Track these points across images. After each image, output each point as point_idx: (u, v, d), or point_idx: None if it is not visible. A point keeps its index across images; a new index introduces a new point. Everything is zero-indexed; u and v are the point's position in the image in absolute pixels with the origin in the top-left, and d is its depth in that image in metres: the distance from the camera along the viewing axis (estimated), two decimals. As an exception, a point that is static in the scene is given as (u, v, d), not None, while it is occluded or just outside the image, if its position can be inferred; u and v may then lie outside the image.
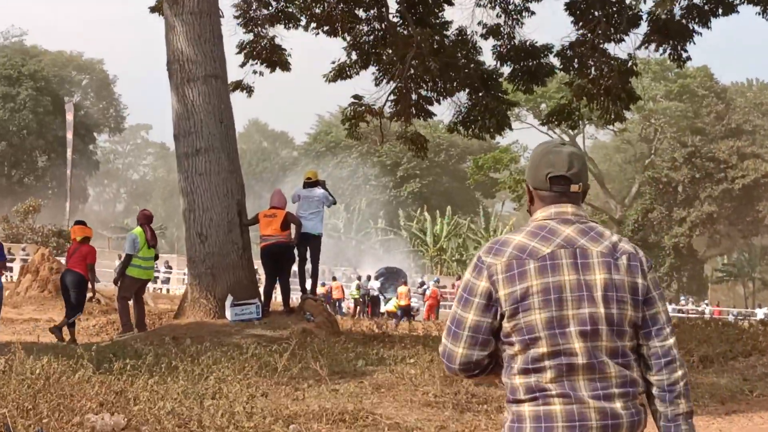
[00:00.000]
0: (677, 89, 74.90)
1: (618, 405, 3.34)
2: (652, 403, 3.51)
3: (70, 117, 66.55)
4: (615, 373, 3.36)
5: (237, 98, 24.80)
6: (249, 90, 25.16)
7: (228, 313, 15.82)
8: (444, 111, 63.55)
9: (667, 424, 3.48)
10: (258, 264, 17.87)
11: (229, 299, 15.93)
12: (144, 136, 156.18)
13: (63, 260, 36.36)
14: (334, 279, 44.07)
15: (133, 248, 16.74)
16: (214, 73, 16.96)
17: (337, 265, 68.38)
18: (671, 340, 3.49)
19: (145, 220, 17.24)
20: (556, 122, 27.14)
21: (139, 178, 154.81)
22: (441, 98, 25.03)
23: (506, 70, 24.58)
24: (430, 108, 25.40)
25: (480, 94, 24.39)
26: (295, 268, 17.87)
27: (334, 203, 17.80)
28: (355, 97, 25.01)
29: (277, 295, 18.03)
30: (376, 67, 24.98)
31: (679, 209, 70.04)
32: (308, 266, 17.68)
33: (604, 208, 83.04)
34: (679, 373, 3.47)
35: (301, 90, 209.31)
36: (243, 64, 24.82)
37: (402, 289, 36.96)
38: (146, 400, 8.27)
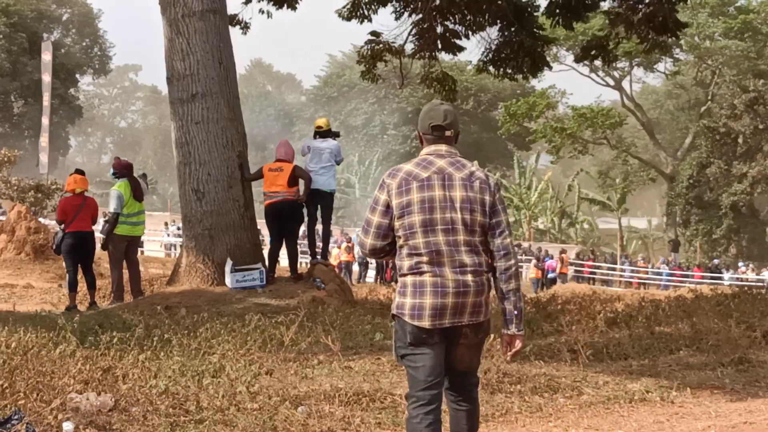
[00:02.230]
0: (738, 26, 73.80)
1: (468, 278, 5.77)
2: (495, 281, 5.96)
3: (47, 57, 66.10)
4: (467, 257, 5.80)
5: (238, 36, 24.67)
6: (245, 26, 25.05)
7: (228, 280, 15.85)
8: (472, 49, 63.09)
9: (503, 296, 5.95)
10: (261, 224, 17.86)
11: (229, 264, 15.96)
12: (133, 79, 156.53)
13: (45, 220, 36.57)
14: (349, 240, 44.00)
15: (120, 206, 16.77)
16: (212, 7, 16.86)
17: (350, 226, 68.42)
18: (508, 240, 5.95)
19: (128, 170, 17.25)
20: (592, 57, 26.91)
21: (127, 126, 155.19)
22: (470, 33, 24.70)
23: (543, 2, 24.32)
24: (458, 42, 25.07)
25: (513, 30, 24.12)
26: (303, 229, 17.87)
27: (339, 163, 17.68)
28: (373, 33, 24.77)
29: (283, 260, 18.03)
30: (397, 1, 24.64)
31: (740, 163, 69.27)
32: (318, 227, 17.66)
33: (654, 162, 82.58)
34: (512, 262, 5.95)
35: (310, 26, 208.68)
36: (247, 1, 24.70)
37: None
38: (136, 378, 8.32)
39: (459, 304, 5.75)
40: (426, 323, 5.74)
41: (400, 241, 5.88)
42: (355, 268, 43.13)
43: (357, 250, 42.36)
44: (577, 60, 35.26)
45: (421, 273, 5.78)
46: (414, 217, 5.80)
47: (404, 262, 5.87)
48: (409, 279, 5.83)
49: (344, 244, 42.42)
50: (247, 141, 17.52)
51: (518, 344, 6.00)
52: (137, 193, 17.01)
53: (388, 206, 5.88)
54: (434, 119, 6.05)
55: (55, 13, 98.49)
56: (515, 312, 5.94)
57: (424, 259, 5.78)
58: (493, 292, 5.98)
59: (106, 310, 15.13)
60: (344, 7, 24.39)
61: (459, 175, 5.92)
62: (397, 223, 5.86)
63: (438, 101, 6.26)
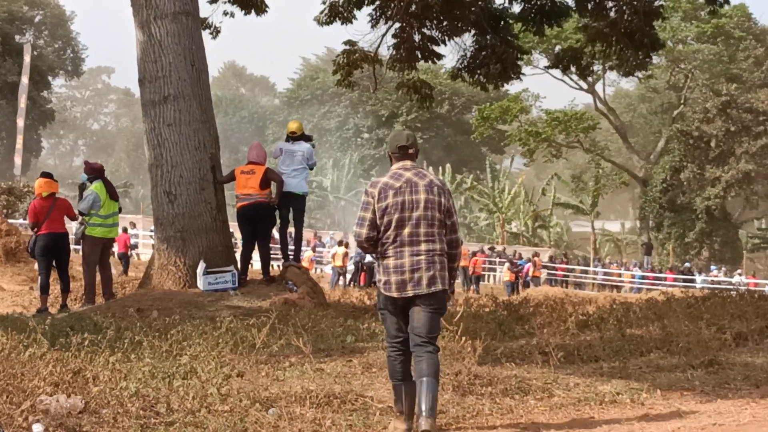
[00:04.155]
0: (710, 30, 74.02)
1: (421, 258, 7.87)
2: (447, 261, 8.04)
3: (27, 59, 66.03)
4: (423, 245, 7.89)
5: (211, 39, 24.68)
6: (215, 31, 25.08)
7: (200, 282, 15.84)
8: (447, 55, 63.32)
9: (448, 270, 8.07)
10: (234, 227, 17.84)
11: (201, 266, 15.94)
12: (105, 81, 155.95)
13: (20, 221, 36.40)
14: (347, 245, 43.43)
15: (90, 207, 16.74)
16: (184, 9, 16.85)
17: (323, 228, 68.41)
18: (457, 235, 8.17)
19: (100, 172, 17.24)
20: (565, 66, 27.02)
21: (99, 129, 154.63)
22: (445, 39, 24.74)
23: (516, 8, 24.41)
24: (435, 48, 25.10)
25: (487, 37, 24.18)
26: (275, 232, 17.87)
27: (313, 167, 17.71)
28: (349, 42, 24.81)
29: (255, 262, 18.03)
30: (372, 6, 24.63)
31: (712, 167, 69.61)
32: (291, 229, 17.67)
33: (626, 165, 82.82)
34: (458, 250, 8.24)
35: (283, 29, 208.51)
36: (212, 0, 24.73)
37: None
38: (107, 380, 8.31)
39: (415, 277, 7.85)
40: (394, 294, 7.89)
41: (380, 234, 7.99)
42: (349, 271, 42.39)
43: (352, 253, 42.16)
44: (550, 67, 35.34)
45: (387, 257, 7.96)
46: (391, 216, 7.90)
47: (379, 249, 8.03)
48: (382, 262, 8.01)
49: (342, 249, 41.78)
50: (220, 143, 17.52)
51: (450, 296, 8.35)
52: (112, 193, 17.04)
53: (374, 207, 7.97)
54: (400, 141, 8.21)
55: (28, 14, 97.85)
56: (450, 280, 8.20)
57: (390, 247, 7.94)
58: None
59: (78, 312, 15.07)
60: (322, 13, 24.42)
61: (422, 183, 8.02)
62: (378, 221, 7.96)
63: (401, 128, 8.52)
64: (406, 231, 7.90)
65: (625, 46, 23.06)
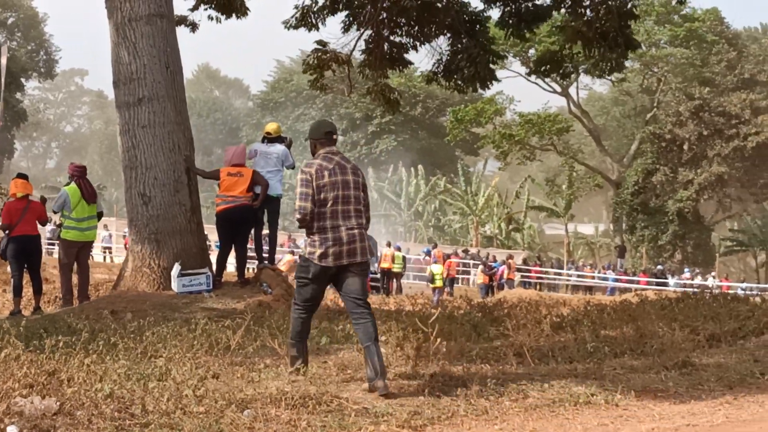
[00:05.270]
0: (683, 34, 74.31)
1: (356, 231, 9.11)
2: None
3: (4, 61, 65.91)
4: (355, 220, 9.14)
5: (185, 41, 24.67)
6: (192, 26, 25.01)
7: (174, 284, 15.81)
8: (422, 59, 63.22)
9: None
10: (209, 229, 17.81)
11: (176, 268, 15.91)
12: (78, 83, 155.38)
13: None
14: None
15: (63, 207, 16.72)
16: (159, 11, 16.82)
17: (297, 231, 68.32)
18: (369, 213, 9.47)
19: (80, 172, 17.20)
20: (545, 72, 27.07)
21: (72, 131, 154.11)
22: (418, 44, 24.79)
23: (494, 13, 24.46)
24: (405, 56, 25.20)
25: (463, 40, 24.19)
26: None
27: (293, 167, 17.70)
28: (320, 42, 24.81)
29: (230, 265, 18.00)
30: (345, 12, 24.65)
31: (685, 170, 69.96)
32: (265, 231, 17.64)
33: (600, 168, 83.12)
34: (368, 223, 9.35)
35: (258, 31, 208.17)
36: (194, 8, 24.67)
37: (386, 250, 37.97)
38: (81, 382, 8.27)
39: (352, 248, 9.08)
40: (330, 263, 9.04)
41: (318, 209, 9.06)
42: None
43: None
44: (530, 74, 35.51)
45: (326, 232, 9.03)
46: (328, 193, 9.05)
47: (314, 224, 9.08)
48: (318, 237, 9.07)
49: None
50: (194, 146, 17.50)
51: None
52: (87, 195, 16.98)
53: (312, 185, 9.03)
54: (327, 128, 9.57)
55: (0, 16, 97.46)
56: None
57: (329, 222, 9.04)
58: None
59: (52, 314, 15.04)
60: (292, 17, 24.42)
61: (348, 167, 9.29)
62: (317, 197, 9.04)
63: (322, 118, 8.42)
64: (341, 208, 9.11)
65: (601, 46, 23.10)
